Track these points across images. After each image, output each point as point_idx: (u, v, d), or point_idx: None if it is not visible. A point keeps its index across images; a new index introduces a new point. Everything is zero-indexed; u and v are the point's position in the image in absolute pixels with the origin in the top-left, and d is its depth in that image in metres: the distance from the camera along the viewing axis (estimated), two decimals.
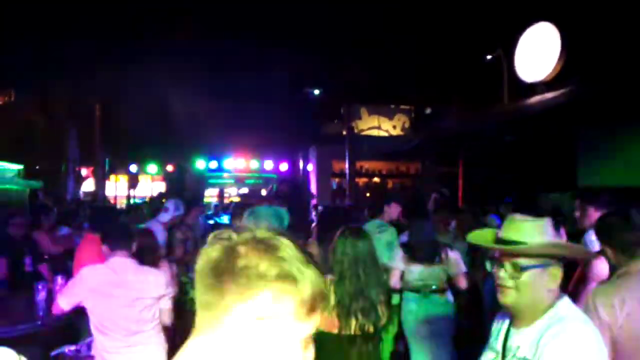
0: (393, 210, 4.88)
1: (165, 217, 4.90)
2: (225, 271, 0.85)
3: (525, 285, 1.51)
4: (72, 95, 9.78)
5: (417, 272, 3.85)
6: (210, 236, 0.92)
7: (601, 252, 2.21)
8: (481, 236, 1.72)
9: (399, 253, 3.94)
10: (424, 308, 3.82)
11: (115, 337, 2.87)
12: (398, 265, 3.89)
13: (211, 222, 9.26)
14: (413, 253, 3.88)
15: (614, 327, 1.88)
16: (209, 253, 0.88)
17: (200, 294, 0.88)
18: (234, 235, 0.90)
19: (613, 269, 2.13)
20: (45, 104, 10.65)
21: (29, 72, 9.44)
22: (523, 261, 1.52)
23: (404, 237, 4.21)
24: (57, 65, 8.57)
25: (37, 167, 11.78)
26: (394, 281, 3.80)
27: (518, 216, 1.61)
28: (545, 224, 1.57)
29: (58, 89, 9.63)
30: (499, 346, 1.62)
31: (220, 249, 0.88)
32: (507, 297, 1.54)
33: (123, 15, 8.18)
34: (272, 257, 0.86)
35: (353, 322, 2.48)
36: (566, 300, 1.54)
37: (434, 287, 3.86)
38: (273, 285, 0.84)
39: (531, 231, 1.55)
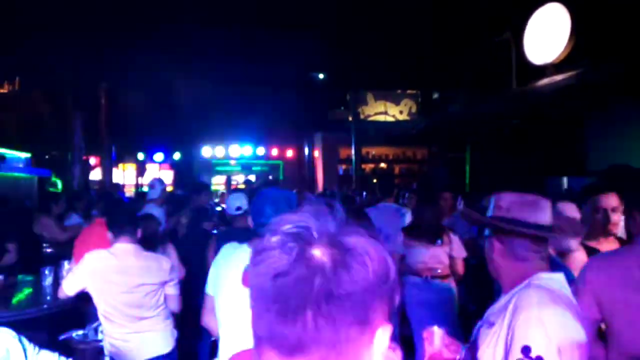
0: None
1: (154, 193, 5.14)
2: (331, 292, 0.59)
3: (498, 254, 1.55)
4: (77, 83, 9.77)
5: (418, 253, 3.83)
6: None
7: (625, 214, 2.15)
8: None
9: (399, 237, 3.92)
10: (425, 293, 3.79)
11: (120, 323, 2.88)
12: (397, 249, 3.87)
13: (219, 208, 9.27)
14: (415, 234, 3.86)
15: (597, 289, 1.90)
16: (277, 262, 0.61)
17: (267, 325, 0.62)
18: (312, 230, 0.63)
19: (629, 236, 2.10)
20: (51, 92, 10.66)
21: (34, 59, 9.43)
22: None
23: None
24: (62, 52, 8.54)
25: (47, 157, 11.84)
26: None
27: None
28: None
29: (63, 77, 9.62)
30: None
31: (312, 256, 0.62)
32: (489, 266, 1.61)
33: (129, 1, 8.12)
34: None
35: None
36: (548, 275, 1.49)
37: (438, 271, 3.83)
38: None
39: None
